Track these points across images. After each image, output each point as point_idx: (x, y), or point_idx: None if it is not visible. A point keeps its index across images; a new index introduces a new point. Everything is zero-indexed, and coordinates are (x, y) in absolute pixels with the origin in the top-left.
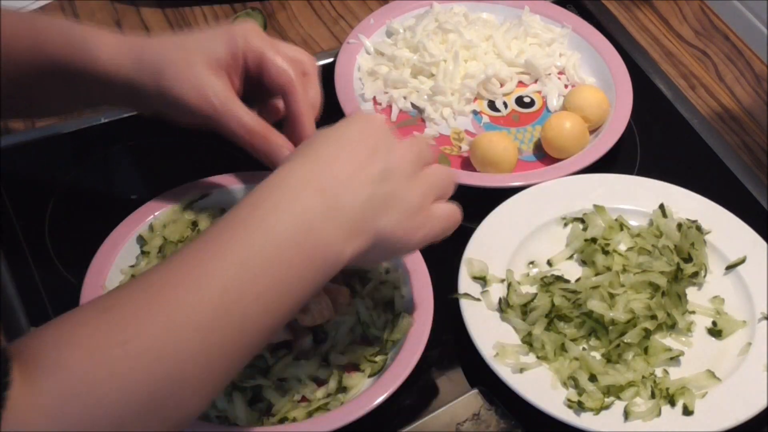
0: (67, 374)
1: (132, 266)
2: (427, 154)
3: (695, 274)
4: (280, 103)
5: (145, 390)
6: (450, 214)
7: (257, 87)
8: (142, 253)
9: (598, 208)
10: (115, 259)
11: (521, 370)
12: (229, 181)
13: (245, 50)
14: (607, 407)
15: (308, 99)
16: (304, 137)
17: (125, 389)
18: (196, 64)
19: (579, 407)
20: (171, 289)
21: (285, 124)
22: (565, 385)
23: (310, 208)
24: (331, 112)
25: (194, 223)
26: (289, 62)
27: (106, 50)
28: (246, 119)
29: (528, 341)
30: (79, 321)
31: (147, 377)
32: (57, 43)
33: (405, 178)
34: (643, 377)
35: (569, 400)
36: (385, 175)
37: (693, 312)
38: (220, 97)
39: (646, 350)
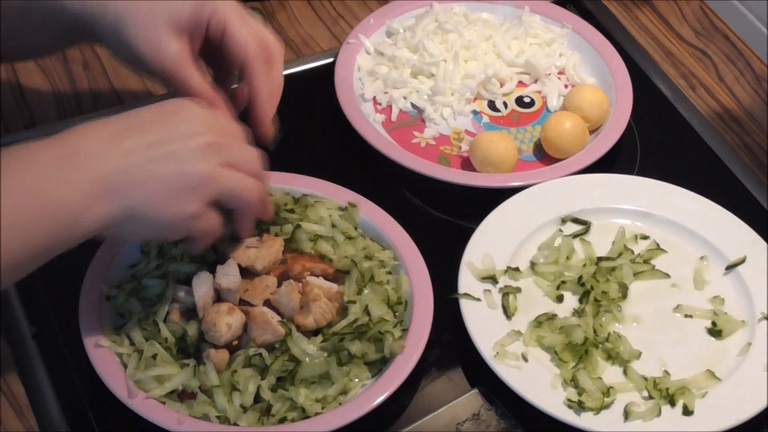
0: None
1: (132, 266)
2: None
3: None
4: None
5: None
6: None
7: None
8: (142, 253)
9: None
10: (115, 259)
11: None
12: None
13: (211, 16)
14: (607, 407)
15: (267, 80)
16: (262, 118)
17: None
18: (157, 22)
19: (579, 407)
20: None
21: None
22: (565, 384)
23: (46, 169)
24: (331, 112)
25: None
26: (253, 39)
27: None
28: (194, 84)
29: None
30: None
31: None
32: None
33: (186, 160)
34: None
35: (569, 400)
36: (159, 151)
37: (693, 316)
38: (174, 59)
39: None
